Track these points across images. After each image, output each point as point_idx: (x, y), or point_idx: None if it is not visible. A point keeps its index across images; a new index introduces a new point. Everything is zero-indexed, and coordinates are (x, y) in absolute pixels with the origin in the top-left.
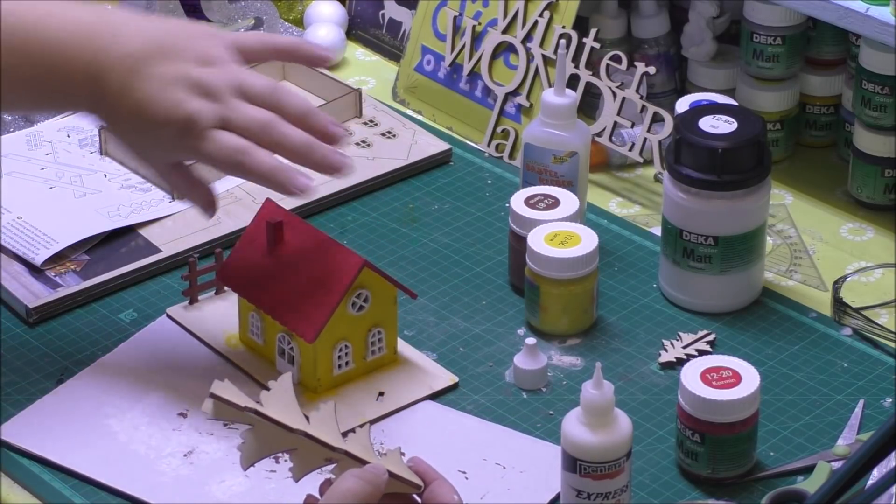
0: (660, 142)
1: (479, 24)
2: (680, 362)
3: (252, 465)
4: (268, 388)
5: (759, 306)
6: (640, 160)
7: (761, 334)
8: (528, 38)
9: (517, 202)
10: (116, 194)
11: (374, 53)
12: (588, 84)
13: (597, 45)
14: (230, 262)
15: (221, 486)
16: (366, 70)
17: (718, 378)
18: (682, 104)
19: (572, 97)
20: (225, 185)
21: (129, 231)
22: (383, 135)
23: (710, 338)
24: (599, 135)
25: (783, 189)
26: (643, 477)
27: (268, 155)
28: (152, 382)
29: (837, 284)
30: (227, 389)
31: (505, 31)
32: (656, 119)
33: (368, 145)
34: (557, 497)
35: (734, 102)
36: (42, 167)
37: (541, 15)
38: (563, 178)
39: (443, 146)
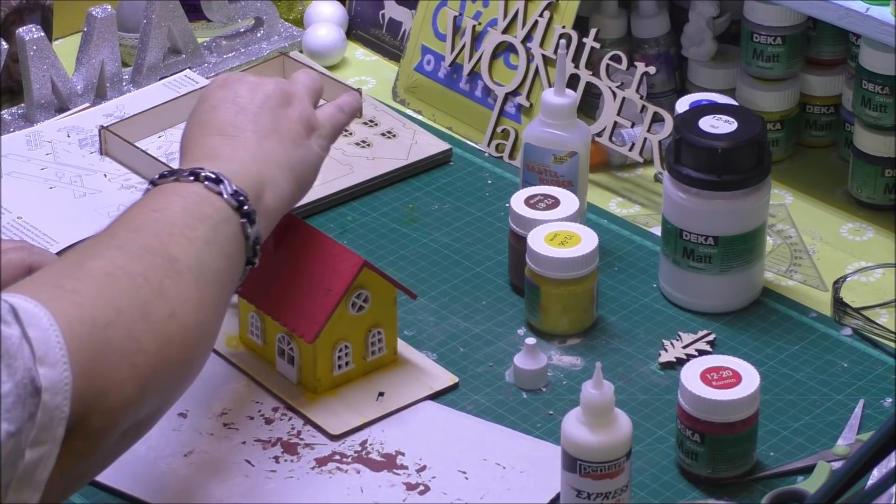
0: (660, 142)
1: (479, 24)
2: (680, 362)
3: None
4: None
5: (759, 306)
6: (640, 160)
7: (761, 334)
8: (528, 38)
9: (517, 202)
10: (116, 194)
11: (374, 53)
12: (588, 84)
13: (597, 45)
14: None
15: (221, 486)
16: (366, 70)
17: (718, 378)
18: (682, 104)
19: (572, 97)
20: None
21: None
22: (383, 135)
23: (710, 338)
24: (599, 135)
25: (783, 189)
26: (643, 477)
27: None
28: None
29: (837, 284)
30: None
31: (505, 31)
32: (656, 119)
33: (368, 145)
34: (557, 497)
35: (734, 102)
36: (42, 167)
37: (541, 15)
38: (563, 178)
39: (443, 146)
